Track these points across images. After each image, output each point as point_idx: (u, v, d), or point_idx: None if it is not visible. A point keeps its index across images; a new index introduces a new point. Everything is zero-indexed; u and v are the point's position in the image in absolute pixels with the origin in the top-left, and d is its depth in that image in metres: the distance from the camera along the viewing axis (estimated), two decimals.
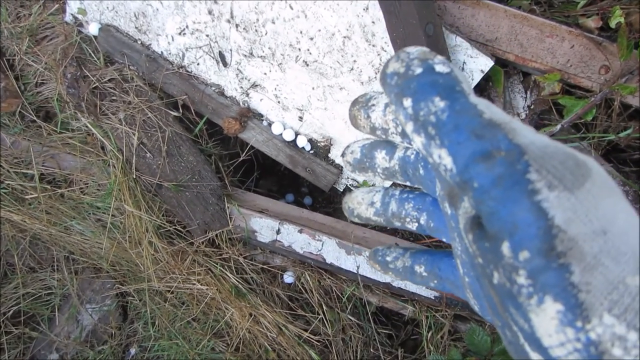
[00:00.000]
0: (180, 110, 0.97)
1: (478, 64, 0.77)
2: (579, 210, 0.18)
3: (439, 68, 0.22)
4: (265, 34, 0.87)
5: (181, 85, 0.96)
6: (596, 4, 0.73)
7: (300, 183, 1.21)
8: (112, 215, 0.94)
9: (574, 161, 0.19)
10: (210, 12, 0.88)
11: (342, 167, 0.96)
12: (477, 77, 0.78)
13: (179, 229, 0.96)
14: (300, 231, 0.93)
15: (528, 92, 0.82)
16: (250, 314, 0.91)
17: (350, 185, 0.99)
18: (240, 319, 0.92)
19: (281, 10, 0.83)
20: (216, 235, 0.96)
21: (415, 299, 0.91)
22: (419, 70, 0.22)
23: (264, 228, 0.95)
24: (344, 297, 0.94)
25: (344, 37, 0.82)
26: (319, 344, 0.93)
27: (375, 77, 0.84)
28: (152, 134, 0.96)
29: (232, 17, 0.87)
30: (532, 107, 0.82)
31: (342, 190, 1.01)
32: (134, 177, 0.95)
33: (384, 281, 0.91)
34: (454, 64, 0.77)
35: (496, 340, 0.81)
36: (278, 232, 0.94)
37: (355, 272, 0.91)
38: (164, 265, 0.94)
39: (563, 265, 0.17)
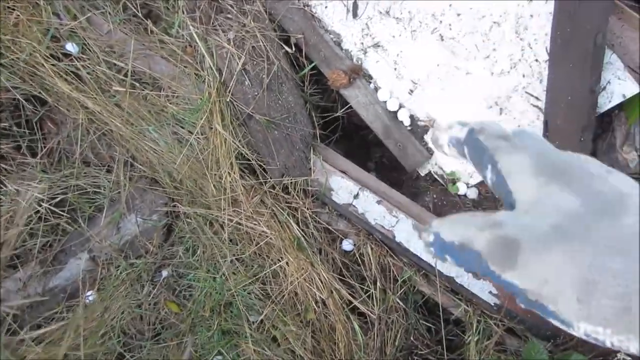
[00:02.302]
0: (293, 49, 0.99)
1: (622, 88, 0.80)
2: None
3: None
4: None
5: (301, 23, 0.98)
6: None
7: (369, 157, 1.24)
8: (197, 132, 0.96)
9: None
10: None
11: (433, 151, 0.99)
12: (617, 100, 0.81)
13: (258, 164, 0.98)
14: (379, 202, 0.96)
15: None
16: (306, 269, 0.94)
17: (434, 172, 1.01)
18: (296, 271, 0.94)
19: None
20: (291, 183, 0.98)
21: (472, 301, 0.94)
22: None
23: (342, 189, 0.98)
24: (400, 279, 0.97)
25: (494, 22, 0.85)
26: (362, 318, 0.96)
27: (509, 72, 0.87)
28: (257, 63, 0.98)
29: None
30: None
31: (423, 174, 1.04)
32: (228, 100, 0.97)
33: (447, 274, 0.94)
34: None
35: (553, 359, 0.84)
36: (356, 196, 0.97)
37: (421, 257, 0.94)
38: (231, 196, 0.96)
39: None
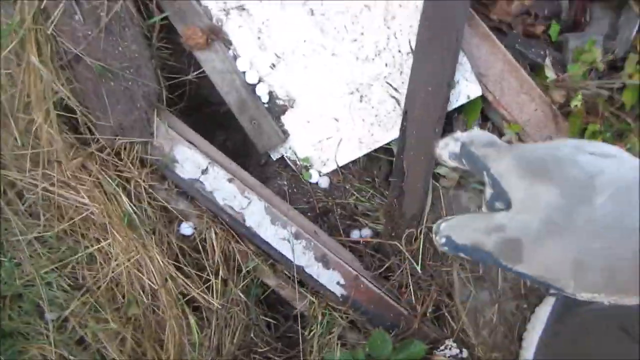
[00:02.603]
0: None
1: (468, 89, 0.88)
2: None
3: None
4: None
5: None
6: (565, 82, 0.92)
7: (211, 141, 1.12)
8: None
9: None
10: None
11: (289, 134, 0.94)
12: (462, 100, 0.89)
13: (85, 119, 0.79)
14: (230, 180, 0.86)
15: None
16: (137, 252, 0.77)
17: (287, 157, 0.96)
18: (123, 253, 0.77)
19: None
20: (126, 147, 0.82)
21: (319, 292, 0.90)
22: None
23: (189, 162, 0.85)
24: (244, 268, 0.88)
25: (366, 5, 0.85)
26: (198, 313, 0.84)
27: (373, 59, 0.88)
28: None
29: None
30: None
31: (275, 158, 0.98)
32: (49, 32, 0.77)
33: (297, 263, 0.88)
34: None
35: (397, 349, 0.85)
36: (205, 171, 0.85)
37: (271, 244, 0.87)
38: (43, 152, 0.74)
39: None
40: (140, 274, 0.79)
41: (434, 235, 0.45)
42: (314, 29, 0.88)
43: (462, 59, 0.86)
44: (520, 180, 0.39)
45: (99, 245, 0.79)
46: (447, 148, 0.45)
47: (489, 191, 0.42)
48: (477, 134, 0.44)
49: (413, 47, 0.86)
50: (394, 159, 0.92)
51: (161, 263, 0.79)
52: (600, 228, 0.35)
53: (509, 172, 0.40)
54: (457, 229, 0.43)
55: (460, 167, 0.45)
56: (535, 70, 1.00)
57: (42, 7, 0.78)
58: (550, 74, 0.97)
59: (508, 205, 0.40)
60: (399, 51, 0.87)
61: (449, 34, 0.79)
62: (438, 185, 0.92)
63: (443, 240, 0.43)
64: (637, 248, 0.34)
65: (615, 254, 0.35)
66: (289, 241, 0.87)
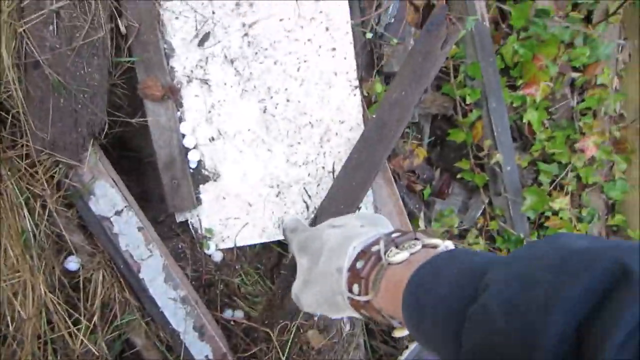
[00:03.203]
0: (124, 31, 0.88)
1: None
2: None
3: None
4: (261, 63, 0.97)
5: (144, 14, 0.90)
6: None
7: None
8: None
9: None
10: (237, 5, 0.94)
11: (202, 203, 1.00)
12: None
13: (22, 123, 0.76)
14: (140, 228, 0.88)
15: None
16: (22, 274, 0.72)
17: (192, 222, 1.01)
18: (9, 270, 0.71)
19: (290, 63, 0.98)
20: (47, 164, 0.80)
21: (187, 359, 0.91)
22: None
23: (106, 199, 0.85)
24: (119, 321, 0.86)
25: (310, 122, 1.01)
26: (56, 354, 0.78)
27: (300, 166, 1.02)
28: (77, 18, 0.83)
29: (250, 27, 0.95)
30: None
31: (179, 220, 1.01)
32: (21, 30, 0.76)
33: (175, 328, 0.90)
34: None
35: None
36: (119, 213, 0.86)
37: (156, 302, 0.88)
38: None
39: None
40: (14, 299, 0.73)
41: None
42: (261, 124, 1.00)
43: (370, 192, 1.05)
44: (299, 254, 0.62)
45: None
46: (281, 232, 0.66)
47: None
48: (287, 223, 0.68)
49: (335, 169, 1.02)
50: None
51: (42, 292, 0.76)
52: (319, 278, 0.56)
53: (296, 249, 0.63)
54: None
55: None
56: (411, 218, 1.24)
57: (21, 5, 0.78)
58: (421, 224, 1.21)
59: None
60: (323, 167, 1.03)
61: (368, 171, 0.98)
62: None
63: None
64: (331, 288, 0.55)
65: (322, 290, 0.56)
66: (175, 303, 0.90)
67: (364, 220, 0.61)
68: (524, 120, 1.46)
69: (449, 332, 0.41)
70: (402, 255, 0.49)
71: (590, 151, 1.51)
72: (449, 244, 0.52)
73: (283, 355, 0.97)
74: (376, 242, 0.53)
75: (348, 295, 0.52)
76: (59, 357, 0.81)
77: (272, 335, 0.98)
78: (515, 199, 1.41)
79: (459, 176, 1.40)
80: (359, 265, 0.52)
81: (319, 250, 0.58)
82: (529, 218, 1.47)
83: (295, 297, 0.61)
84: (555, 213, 1.51)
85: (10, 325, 0.74)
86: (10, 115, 0.77)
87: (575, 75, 1.52)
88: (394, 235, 0.54)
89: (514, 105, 1.44)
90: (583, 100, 1.55)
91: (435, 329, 0.43)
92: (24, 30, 0.77)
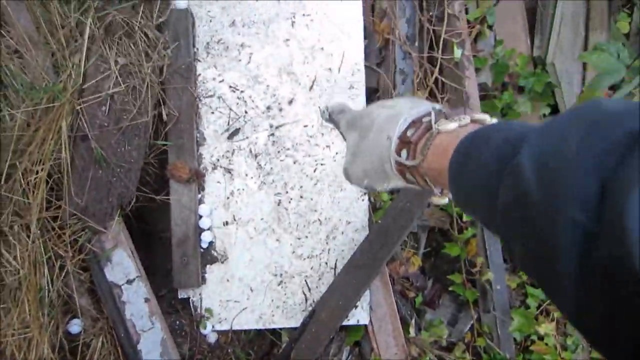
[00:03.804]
0: (165, 117, 0.98)
1: (360, 315, 1.09)
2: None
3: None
4: (282, 160, 1.06)
5: (184, 105, 1.01)
6: None
7: None
8: (24, 111, 0.77)
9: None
10: (268, 108, 1.05)
11: (206, 282, 1.03)
12: (352, 322, 1.08)
13: (62, 189, 0.82)
14: (146, 300, 0.90)
15: (351, 355, 1.13)
16: (30, 331, 0.74)
17: (193, 300, 1.03)
18: (16, 327, 0.73)
19: (308, 165, 1.06)
20: (74, 229, 0.84)
21: None
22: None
23: (120, 267, 0.89)
24: None
25: (319, 219, 1.07)
26: None
27: (305, 259, 1.06)
28: (127, 102, 0.92)
29: (277, 128, 1.05)
30: None
31: (180, 297, 1.04)
32: (78, 108, 0.85)
33: None
34: None
35: None
36: (130, 282, 0.89)
37: None
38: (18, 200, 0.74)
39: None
40: (16, 354, 0.74)
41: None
42: (274, 214, 1.06)
43: (367, 292, 1.09)
44: (347, 131, 0.65)
45: None
46: (324, 116, 0.67)
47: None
48: (334, 105, 0.70)
49: (337, 266, 1.07)
50: (284, 344, 1.04)
51: (45, 351, 0.76)
52: (369, 149, 0.59)
53: (344, 126, 0.66)
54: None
55: (329, 124, 0.70)
56: (403, 323, 1.25)
57: (83, 86, 0.88)
58: (412, 331, 1.23)
59: None
60: (326, 263, 1.08)
61: (369, 272, 1.02)
62: None
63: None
64: (379, 156, 0.57)
65: (371, 160, 0.59)
66: None
67: (412, 102, 0.63)
68: None
69: (487, 192, 0.42)
70: (452, 125, 0.51)
71: None
72: (495, 120, 0.55)
73: None
74: (427, 114, 0.56)
75: (396, 159, 0.54)
76: None
77: None
78: (503, 318, 1.43)
79: (450, 288, 1.43)
80: (409, 133, 0.54)
81: (369, 126, 0.60)
82: (515, 339, 1.48)
83: (345, 172, 0.64)
84: (541, 338, 1.52)
85: None
86: (52, 179, 0.83)
87: None
88: (443, 109, 0.57)
89: None
90: None
91: (475, 190, 0.44)
92: (80, 108, 0.86)
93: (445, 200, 0.56)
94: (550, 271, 0.34)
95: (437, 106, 0.59)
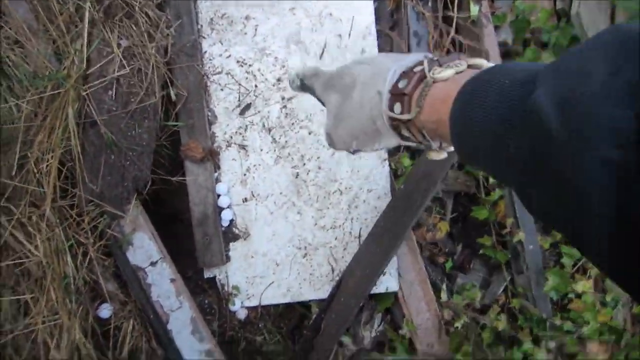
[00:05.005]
0: (174, 98, 0.94)
1: (389, 282, 1.04)
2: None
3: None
4: (296, 133, 1.00)
5: (192, 85, 0.96)
6: None
7: None
8: (30, 100, 0.74)
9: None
10: (278, 80, 1.00)
11: (231, 260, 1.00)
12: (382, 289, 1.04)
13: (75, 177, 0.79)
14: (172, 280, 0.88)
15: (383, 322, 1.09)
16: (58, 317, 0.72)
17: (219, 279, 1.00)
18: (47, 312, 0.71)
19: (321, 134, 1.00)
20: (92, 214, 0.82)
21: None
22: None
23: (142, 250, 0.86)
24: None
25: (339, 189, 1.02)
26: None
27: (328, 230, 1.02)
28: (134, 85, 0.88)
29: (288, 100, 1.00)
30: (379, 332, 1.08)
31: (206, 276, 1.01)
32: (84, 94, 0.82)
33: None
34: None
35: None
36: (154, 264, 0.86)
37: (182, 354, 0.86)
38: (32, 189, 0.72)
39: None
40: (49, 340, 0.73)
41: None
42: (293, 188, 1.01)
43: (394, 259, 1.03)
44: (325, 93, 0.58)
45: (22, 297, 0.73)
46: (294, 84, 0.62)
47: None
48: (306, 69, 0.62)
49: (361, 234, 1.02)
50: (314, 316, 1.00)
51: (75, 337, 0.75)
52: (354, 106, 0.53)
53: (320, 89, 0.59)
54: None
55: (302, 92, 0.63)
56: (435, 289, 1.20)
57: (87, 72, 0.84)
58: (444, 296, 1.17)
59: None
60: (350, 233, 1.03)
61: (394, 238, 0.97)
62: (339, 350, 1.01)
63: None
64: (369, 114, 0.52)
65: (359, 119, 0.53)
66: (199, 356, 0.87)
67: (393, 55, 0.57)
68: None
69: (498, 140, 0.37)
70: (448, 73, 0.46)
71: None
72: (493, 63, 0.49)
73: None
74: (419, 64, 0.50)
75: (390, 114, 0.49)
76: None
77: None
78: (537, 278, 1.35)
79: (481, 252, 1.36)
80: (401, 85, 0.49)
81: (350, 84, 0.54)
82: (551, 299, 1.41)
83: (328, 137, 0.57)
84: (579, 296, 1.44)
85: None
86: (65, 167, 0.81)
87: None
88: (435, 57, 0.51)
89: None
90: None
91: (483, 137, 0.39)
92: (86, 94, 0.82)
93: (444, 155, 0.50)
94: (580, 221, 0.29)
95: (429, 54, 0.52)
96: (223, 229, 1.00)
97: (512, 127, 0.36)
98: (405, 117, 0.48)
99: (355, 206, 1.03)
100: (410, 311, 1.08)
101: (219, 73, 0.98)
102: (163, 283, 0.87)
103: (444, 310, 1.13)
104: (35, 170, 0.74)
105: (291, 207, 1.01)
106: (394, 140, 0.52)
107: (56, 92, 0.77)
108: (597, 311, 1.46)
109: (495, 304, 1.38)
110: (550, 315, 1.39)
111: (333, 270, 1.02)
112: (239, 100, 0.99)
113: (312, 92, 0.61)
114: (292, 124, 1.00)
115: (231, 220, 1.00)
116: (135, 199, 0.87)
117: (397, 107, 0.49)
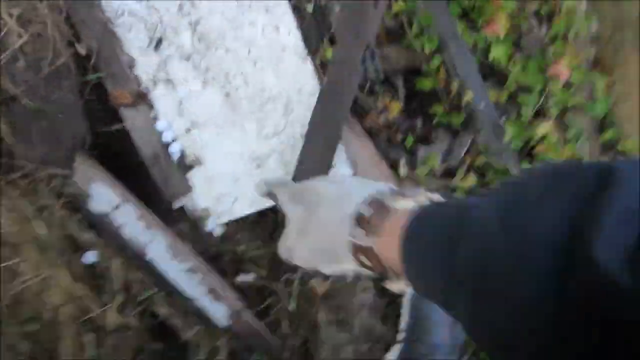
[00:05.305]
0: (84, 52, 0.96)
1: (342, 170, 1.10)
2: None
3: None
4: (214, 53, 1.02)
5: (99, 34, 0.97)
6: None
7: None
8: None
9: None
10: (180, 7, 0.99)
11: (192, 187, 1.06)
12: None
13: (13, 150, 0.85)
14: (139, 217, 0.95)
15: None
16: (45, 272, 0.82)
17: (189, 206, 1.08)
18: (32, 272, 0.81)
19: (240, 48, 1.02)
20: (45, 180, 0.88)
21: (208, 322, 0.99)
22: None
23: (102, 198, 0.93)
24: (141, 297, 0.95)
25: (271, 97, 1.05)
26: (92, 332, 0.88)
27: (272, 136, 1.07)
28: (40, 50, 0.90)
29: (197, 23, 1.00)
30: None
31: (176, 207, 1.08)
32: None
33: (189, 296, 0.97)
34: None
35: None
36: (116, 207, 0.94)
37: (168, 277, 0.96)
38: None
39: None
40: (45, 292, 0.83)
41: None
42: (227, 107, 1.05)
43: (341, 148, 1.08)
44: (291, 204, 0.59)
45: (5, 264, 0.82)
46: (261, 191, 0.64)
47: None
48: (271, 180, 0.66)
49: (303, 134, 1.06)
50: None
51: (66, 283, 0.85)
52: (317, 224, 0.54)
53: (286, 200, 0.61)
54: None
55: (267, 199, 0.64)
56: (394, 167, 1.26)
57: None
58: (403, 171, 1.24)
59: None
60: (293, 135, 1.07)
61: (332, 127, 1.01)
62: None
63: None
64: (331, 235, 0.52)
65: (321, 239, 0.53)
66: (184, 275, 0.97)
67: (361, 180, 0.59)
68: (490, 58, 1.44)
69: (443, 262, 0.39)
70: (408, 203, 0.48)
71: (565, 75, 1.48)
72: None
73: (291, 304, 1.03)
74: (382, 193, 0.52)
75: (351, 239, 0.49)
76: (96, 335, 0.90)
77: (278, 288, 1.04)
78: (496, 133, 1.40)
79: (434, 121, 1.40)
80: (364, 212, 0.50)
81: (317, 201, 0.55)
82: (514, 149, 1.46)
83: (286, 250, 0.57)
84: (543, 139, 1.48)
85: (43, 315, 0.84)
86: (2, 145, 0.86)
87: (537, 5, 1.48)
88: (398, 189, 0.54)
89: (480, 46, 1.43)
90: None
91: (430, 260, 0.41)
92: None
93: (401, 285, 0.50)
94: (521, 331, 0.31)
95: (393, 186, 0.53)
96: (176, 161, 1.06)
97: (456, 246, 0.37)
98: (365, 243, 0.48)
99: (291, 109, 1.07)
100: None
101: (122, 15, 0.98)
102: (131, 222, 0.95)
103: (404, 183, 1.20)
104: None
105: (232, 125, 1.06)
106: (350, 266, 0.52)
107: None
108: (561, 149, 1.51)
109: (461, 167, 1.44)
110: (516, 163, 1.45)
111: (287, 174, 1.08)
112: (149, 37, 1.00)
113: (275, 199, 0.63)
114: (207, 46, 1.02)
115: (181, 152, 1.06)
116: (79, 156, 0.92)
117: (359, 232, 0.49)
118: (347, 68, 1.00)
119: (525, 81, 1.48)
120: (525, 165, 1.48)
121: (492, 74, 1.56)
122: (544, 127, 1.47)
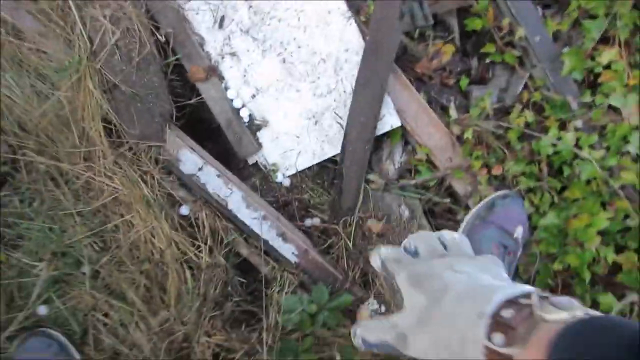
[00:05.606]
0: (163, 39, 1.12)
1: (391, 120, 1.19)
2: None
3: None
4: (268, 24, 1.14)
5: (173, 20, 1.12)
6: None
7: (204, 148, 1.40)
8: (64, 89, 0.99)
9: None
10: None
11: (262, 146, 1.23)
12: (386, 128, 1.20)
13: (116, 129, 1.06)
14: (218, 176, 1.14)
15: (404, 153, 1.27)
16: (151, 223, 1.05)
17: (260, 162, 1.25)
18: (142, 224, 1.04)
19: (290, 17, 1.13)
20: (145, 150, 1.09)
21: (279, 260, 1.18)
22: None
23: (189, 161, 1.13)
24: (226, 240, 1.16)
25: (322, 59, 1.16)
26: (191, 270, 1.11)
27: (326, 94, 1.18)
28: (129, 43, 1.08)
29: (251, 0, 1.12)
30: (402, 162, 1.27)
31: (251, 163, 1.26)
32: (97, 67, 1.04)
33: (264, 238, 1.17)
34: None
35: (331, 299, 1.14)
36: (200, 169, 1.13)
37: (245, 223, 1.16)
38: (89, 150, 1.01)
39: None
40: (152, 239, 1.06)
41: (352, 337, 0.56)
42: (284, 72, 1.18)
43: (387, 99, 1.17)
44: (410, 287, 0.53)
45: (123, 219, 1.06)
46: (375, 262, 0.58)
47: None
48: (388, 253, 0.58)
49: (352, 89, 1.17)
50: (337, 166, 1.22)
51: (168, 232, 1.07)
52: (445, 320, 0.48)
53: (404, 282, 0.54)
54: (367, 332, 0.54)
55: (384, 274, 0.58)
56: (445, 110, 1.32)
57: (92, 49, 1.05)
58: (453, 113, 1.29)
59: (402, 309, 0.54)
60: (344, 91, 1.18)
61: (376, 82, 1.10)
62: (368, 187, 1.23)
63: (359, 341, 0.54)
64: (461, 333, 0.47)
65: (447, 335, 0.48)
66: (258, 221, 1.16)
67: (490, 273, 0.53)
68: None
69: None
70: (563, 315, 0.43)
71: None
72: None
73: (350, 242, 1.19)
74: (526, 296, 0.47)
75: (487, 344, 0.44)
76: (194, 271, 1.13)
77: (339, 230, 1.20)
78: (553, 66, 1.38)
79: (487, 60, 1.41)
80: (505, 314, 0.44)
81: (441, 290, 0.50)
82: (576, 80, 1.42)
83: (399, 337, 0.51)
84: (608, 67, 1.42)
85: (153, 255, 1.07)
86: (112, 125, 1.07)
87: None
88: (546, 294, 0.47)
89: None
90: None
91: None
92: (100, 66, 1.05)
93: None
94: None
95: (540, 291, 0.47)
96: (246, 124, 1.22)
97: None
98: (508, 351, 0.43)
99: (340, 68, 1.16)
100: (422, 138, 1.24)
101: (189, 1, 1.13)
102: (213, 180, 1.14)
103: (453, 126, 1.26)
104: (91, 135, 1.01)
105: (289, 88, 1.19)
106: None
107: (77, 76, 1.01)
108: (627, 76, 1.44)
109: (518, 103, 1.45)
110: (576, 96, 1.42)
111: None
112: (214, 17, 1.14)
113: (391, 277, 0.57)
114: (262, 19, 1.14)
115: (250, 116, 1.22)
116: (169, 128, 1.11)
117: (498, 337, 0.44)
118: (385, 25, 1.06)
119: (589, 5, 1.41)
120: (587, 96, 1.45)
121: (555, 0, 1.51)
122: (609, 54, 1.41)
